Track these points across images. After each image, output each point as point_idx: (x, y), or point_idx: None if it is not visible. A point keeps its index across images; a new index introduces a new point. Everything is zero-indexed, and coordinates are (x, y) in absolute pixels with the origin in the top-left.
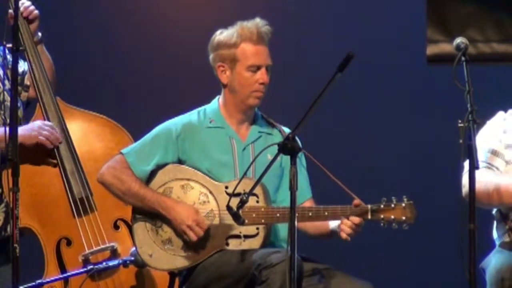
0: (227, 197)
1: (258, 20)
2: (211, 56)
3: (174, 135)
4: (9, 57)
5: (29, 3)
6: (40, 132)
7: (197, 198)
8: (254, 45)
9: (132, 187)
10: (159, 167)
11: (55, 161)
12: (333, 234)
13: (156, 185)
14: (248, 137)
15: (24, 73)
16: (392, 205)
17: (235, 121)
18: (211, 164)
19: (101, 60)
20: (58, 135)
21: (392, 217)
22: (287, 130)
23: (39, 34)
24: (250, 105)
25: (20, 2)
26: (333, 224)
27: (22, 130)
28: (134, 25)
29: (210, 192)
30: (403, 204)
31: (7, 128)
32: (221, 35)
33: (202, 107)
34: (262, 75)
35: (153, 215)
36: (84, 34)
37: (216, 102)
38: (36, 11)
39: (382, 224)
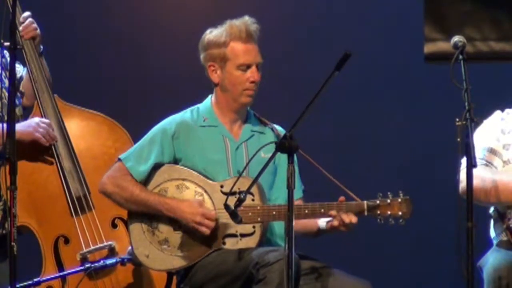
0: (222, 196)
1: (246, 18)
2: (202, 56)
3: (170, 135)
4: (6, 52)
5: (29, 20)
6: (37, 129)
7: (193, 198)
8: (243, 44)
9: (133, 193)
10: (155, 167)
11: (51, 159)
12: (320, 233)
13: (151, 186)
14: (241, 136)
15: (21, 78)
16: (388, 201)
17: (228, 119)
18: (205, 163)
19: (99, 58)
20: (54, 134)
21: (389, 212)
22: (279, 128)
23: (41, 47)
24: (242, 103)
25: (22, 19)
26: (321, 223)
27: (19, 126)
28: (133, 24)
29: (205, 191)
30: (399, 200)
31: (5, 125)
32: (210, 34)
33: (195, 106)
34: (252, 74)
35: (149, 216)
36: (83, 33)
37: (209, 101)
38: (37, 31)
39: (378, 220)
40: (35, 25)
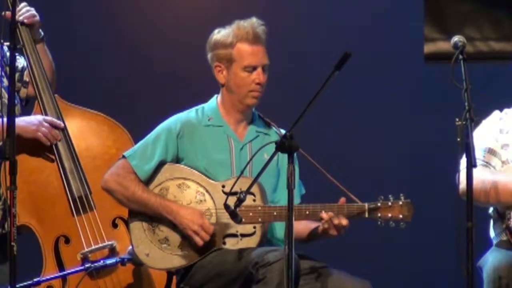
0: (224, 196)
1: (254, 19)
2: (209, 56)
3: (175, 134)
4: (6, 48)
5: (26, 8)
6: (39, 128)
7: (194, 197)
8: (250, 45)
9: (135, 192)
10: (157, 166)
11: (52, 158)
12: (312, 237)
13: (153, 185)
14: (245, 136)
15: (23, 69)
16: (389, 204)
17: (233, 120)
18: (208, 162)
19: (100, 58)
20: (57, 133)
21: (390, 215)
22: (283, 131)
23: (41, 33)
24: (248, 104)
25: (19, 7)
26: (312, 226)
27: (21, 121)
28: (133, 24)
29: (207, 191)
30: (400, 202)
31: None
32: (218, 34)
33: (200, 106)
34: (258, 75)
35: (150, 215)
36: (84, 33)
37: (215, 101)
38: (35, 18)
39: (379, 223)
40: (32, 12)
